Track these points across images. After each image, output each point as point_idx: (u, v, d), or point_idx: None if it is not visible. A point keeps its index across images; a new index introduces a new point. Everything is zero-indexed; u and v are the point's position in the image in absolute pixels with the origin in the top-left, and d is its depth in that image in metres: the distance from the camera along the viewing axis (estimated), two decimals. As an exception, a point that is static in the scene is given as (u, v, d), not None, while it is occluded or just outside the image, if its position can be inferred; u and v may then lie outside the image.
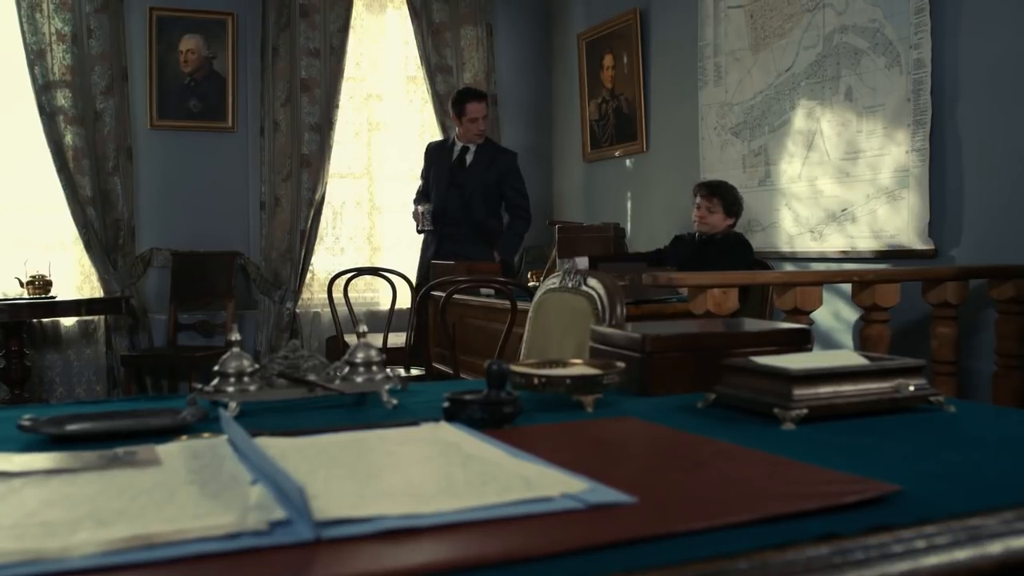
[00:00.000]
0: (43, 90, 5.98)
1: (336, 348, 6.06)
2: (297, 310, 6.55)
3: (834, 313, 4.66)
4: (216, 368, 1.52)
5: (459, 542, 0.84)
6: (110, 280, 6.16)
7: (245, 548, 0.81)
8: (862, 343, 3.61)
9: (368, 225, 6.83)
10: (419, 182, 6.17)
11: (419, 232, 5.89)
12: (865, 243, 4.54)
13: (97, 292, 6.18)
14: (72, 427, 1.35)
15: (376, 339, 5.38)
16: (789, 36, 4.97)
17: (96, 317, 6.19)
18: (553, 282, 2.40)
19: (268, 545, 0.81)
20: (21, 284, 5.70)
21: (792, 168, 4.97)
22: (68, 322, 6.18)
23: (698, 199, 4.83)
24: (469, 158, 5.86)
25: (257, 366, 1.54)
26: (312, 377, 1.56)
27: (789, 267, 4.95)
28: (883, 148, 4.42)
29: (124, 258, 6.23)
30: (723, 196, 4.78)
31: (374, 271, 5.52)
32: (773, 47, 5.08)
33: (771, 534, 0.86)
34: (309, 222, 6.48)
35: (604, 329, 1.76)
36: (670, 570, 0.78)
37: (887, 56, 4.38)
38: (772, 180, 5.11)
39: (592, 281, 2.21)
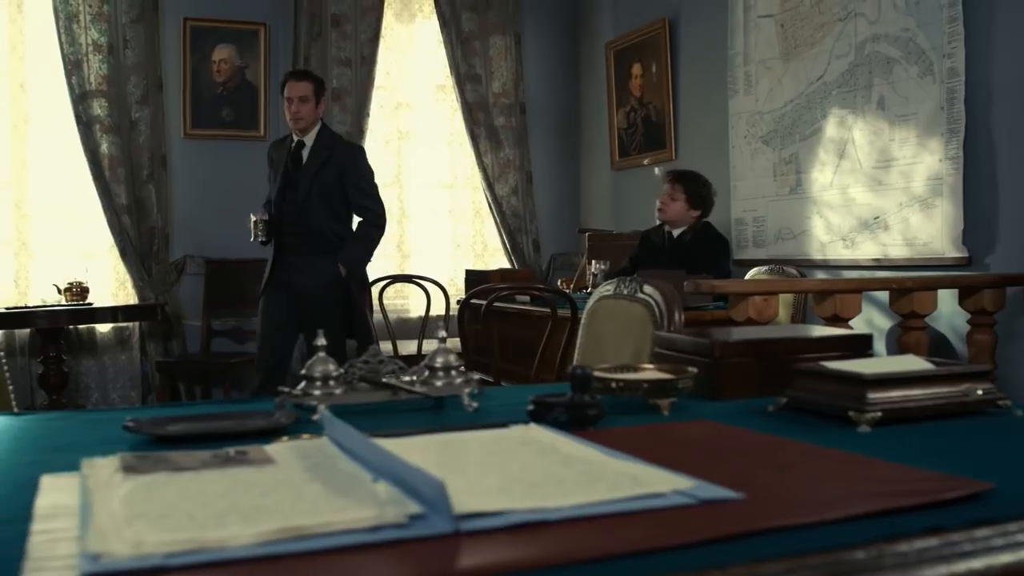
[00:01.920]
0: (80, 100, 6.06)
1: (368, 355, 6.11)
2: (328, 317, 6.60)
3: (867, 320, 4.68)
4: (303, 372, 1.58)
5: (586, 534, 0.89)
6: (144, 287, 6.23)
7: (388, 540, 0.86)
8: (900, 350, 3.64)
9: (398, 232, 6.88)
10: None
11: (262, 244, 5.00)
12: (898, 251, 4.57)
13: (132, 299, 6.26)
14: (173, 428, 1.41)
15: (410, 346, 5.44)
16: (820, 45, 5.01)
17: (131, 324, 6.26)
18: (607, 289, 2.45)
19: (410, 537, 0.86)
20: (59, 291, 5.78)
21: (824, 176, 5.01)
22: (103, 328, 6.25)
23: (664, 185, 4.84)
24: (305, 154, 4.92)
25: (341, 370, 1.59)
26: (393, 381, 1.61)
27: (821, 275, 4.98)
28: (916, 156, 4.45)
29: (158, 265, 6.31)
30: (687, 185, 4.76)
31: (408, 278, 5.57)
32: (804, 56, 5.12)
33: (876, 528, 0.90)
34: (340, 230, 6.53)
35: (671, 335, 1.81)
36: (794, 560, 0.83)
37: (920, 65, 4.42)
38: (803, 188, 5.15)
39: (648, 288, 2.26)
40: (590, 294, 4.68)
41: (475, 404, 1.60)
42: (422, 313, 6.41)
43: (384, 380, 1.60)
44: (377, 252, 6.77)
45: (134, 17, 6.18)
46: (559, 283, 5.80)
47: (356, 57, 6.61)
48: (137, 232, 6.22)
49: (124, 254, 6.20)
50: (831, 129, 4.95)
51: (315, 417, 1.49)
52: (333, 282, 4.80)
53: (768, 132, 5.40)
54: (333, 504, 0.95)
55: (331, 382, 1.56)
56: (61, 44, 6.01)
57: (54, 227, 6.17)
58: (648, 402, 1.55)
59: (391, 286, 5.87)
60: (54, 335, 5.67)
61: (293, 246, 4.88)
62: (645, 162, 6.58)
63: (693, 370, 1.60)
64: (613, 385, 1.55)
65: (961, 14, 4.22)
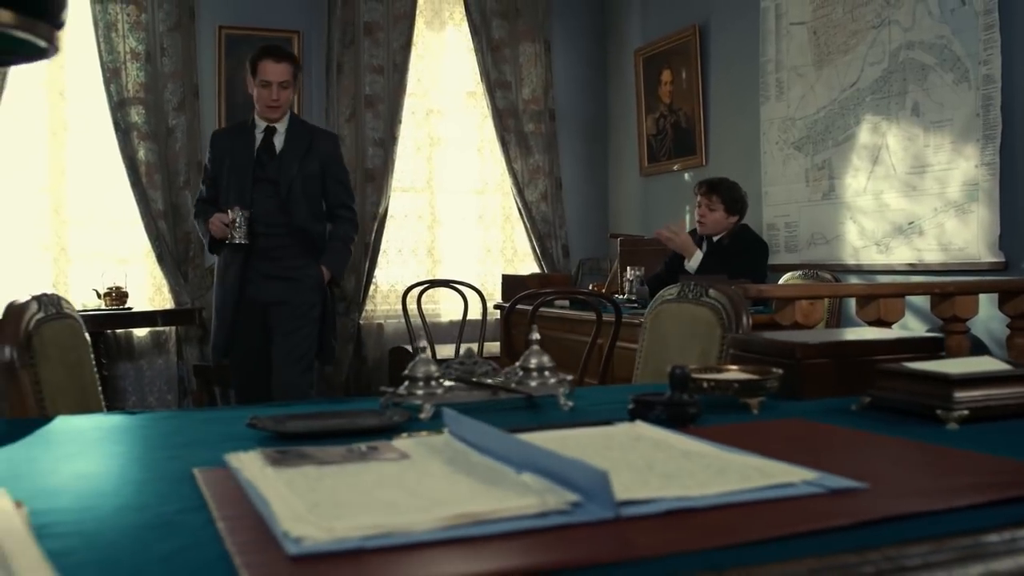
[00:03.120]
0: (118, 107, 6.15)
1: (401, 359, 6.19)
2: (360, 321, 6.68)
3: (901, 324, 4.73)
4: (406, 373, 1.65)
5: (735, 520, 0.95)
6: (180, 292, 6.32)
7: (555, 525, 0.93)
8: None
9: (429, 238, 6.96)
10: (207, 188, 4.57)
11: (228, 243, 4.27)
12: (933, 256, 4.62)
13: (168, 303, 6.35)
14: (292, 425, 1.48)
15: (447, 350, 5.51)
16: (853, 52, 5.07)
17: (167, 328, 6.35)
18: (671, 293, 2.52)
19: (575, 522, 0.93)
20: (98, 296, 5.87)
21: (857, 182, 5.06)
22: (140, 333, 6.34)
23: (697, 197, 4.91)
24: (279, 143, 4.37)
25: (442, 371, 1.66)
26: (490, 381, 1.68)
27: (854, 279, 5.04)
28: (951, 162, 4.50)
29: (194, 270, 6.39)
30: (722, 193, 4.84)
31: (446, 283, 5.63)
32: (837, 63, 5.18)
33: (997, 515, 0.97)
34: (373, 235, 6.61)
35: (749, 337, 1.87)
36: (936, 543, 0.89)
37: (955, 72, 4.47)
38: (836, 194, 5.20)
39: (714, 292, 2.32)
40: (632, 300, 4.77)
41: (571, 403, 1.67)
42: (452, 318, 6.53)
43: (481, 380, 1.67)
44: (409, 257, 6.93)
45: (171, 26, 6.28)
46: (590, 288, 5.87)
47: (388, 64, 6.69)
48: (173, 237, 6.31)
49: (161, 259, 6.28)
50: (864, 135, 5.01)
51: (422, 416, 1.56)
52: (314, 288, 4.38)
53: (800, 138, 5.46)
54: (492, 494, 1.01)
55: (432, 382, 1.63)
56: (100, 52, 6.11)
57: (92, 232, 6.26)
58: (738, 401, 1.62)
59: (417, 290, 5.92)
60: (94, 339, 5.74)
61: (267, 249, 4.30)
62: (675, 168, 6.65)
63: (778, 371, 1.67)
64: (705, 385, 1.62)
65: (997, 21, 4.27)
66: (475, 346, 5.45)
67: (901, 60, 4.77)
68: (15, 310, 1.88)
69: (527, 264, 7.11)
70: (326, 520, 0.92)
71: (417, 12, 6.79)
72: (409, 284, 6.04)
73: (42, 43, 1.09)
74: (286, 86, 4.33)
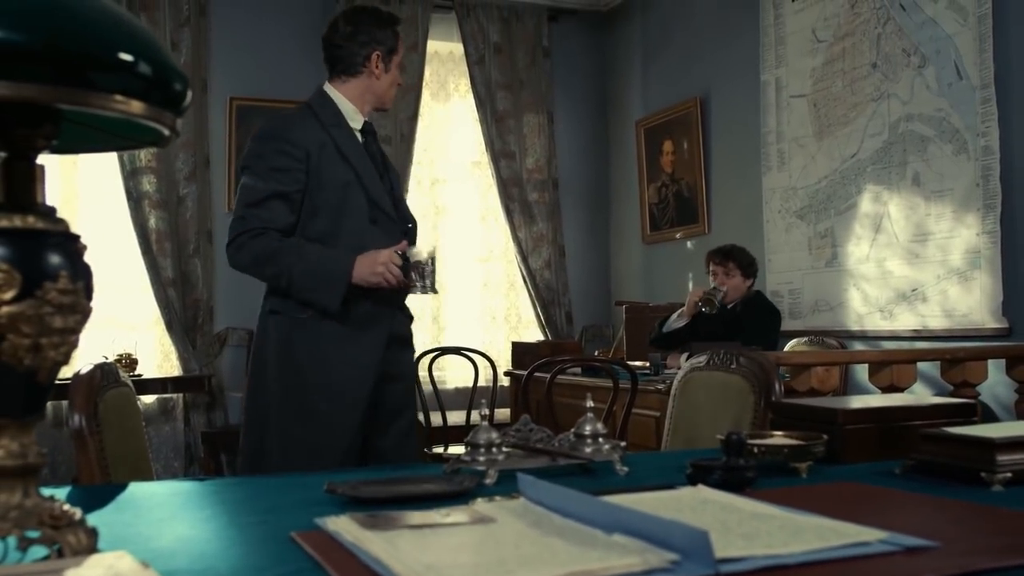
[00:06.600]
0: (130, 176, 6.26)
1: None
2: (367, 388, 6.71)
3: (908, 390, 4.81)
4: (467, 439, 1.71)
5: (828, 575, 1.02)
6: (189, 359, 6.37)
7: (659, 582, 0.99)
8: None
9: (435, 305, 7.04)
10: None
11: (413, 290, 2.99)
12: (937, 322, 4.72)
13: (175, 370, 6.39)
14: (369, 491, 1.54)
15: (458, 416, 5.55)
16: (854, 124, 5.21)
17: (175, 395, 6.39)
18: (700, 360, 2.60)
19: (678, 579, 1.00)
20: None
21: (860, 250, 5.18)
22: (148, 399, 6.37)
23: (711, 267, 5.00)
24: (372, 146, 3.03)
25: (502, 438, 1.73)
26: (541, 447, 1.75)
27: (859, 346, 5.13)
28: (953, 231, 4.62)
29: (202, 337, 6.45)
30: (736, 258, 4.95)
31: (456, 350, 5.69)
32: (837, 135, 5.32)
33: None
34: (380, 302, 6.67)
35: (790, 403, 1.95)
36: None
37: (954, 143, 4.61)
38: (839, 261, 5.31)
39: (744, 359, 2.40)
40: (643, 368, 4.84)
41: (626, 468, 1.74)
42: (458, 385, 6.58)
43: (539, 446, 1.74)
44: (414, 324, 6.98)
45: (184, 97, 6.39)
46: (597, 354, 5.94)
47: (395, 134, 6.82)
48: (182, 305, 6.38)
49: (170, 326, 6.34)
50: (866, 204, 5.13)
51: (488, 481, 1.63)
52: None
53: (802, 207, 5.58)
54: (592, 554, 1.08)
55: (493, 449, 1.70)
56: (114, 124, 6.21)
57: (102, 299, 6.27)
58: (787, 465, 1.69)
59: (428, 357, 5.97)
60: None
61: (401, 295, 2.97)
62: (677, 236, 6.77)
63: (824, 436, 1.74)
64: (755, 450, 1.69)
65: (994, 95, 4.42)
66: (485, 412, 5.49)
67: (901, 132, 4.91)
68: (83, 379, 1.94)
69: (531, 331, 7.19)
70: (449, 579, 0.98)
71: (424, 84, 6.95)
72: (416, 351, 6.09)
73: (166, 131, 1.17)
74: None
